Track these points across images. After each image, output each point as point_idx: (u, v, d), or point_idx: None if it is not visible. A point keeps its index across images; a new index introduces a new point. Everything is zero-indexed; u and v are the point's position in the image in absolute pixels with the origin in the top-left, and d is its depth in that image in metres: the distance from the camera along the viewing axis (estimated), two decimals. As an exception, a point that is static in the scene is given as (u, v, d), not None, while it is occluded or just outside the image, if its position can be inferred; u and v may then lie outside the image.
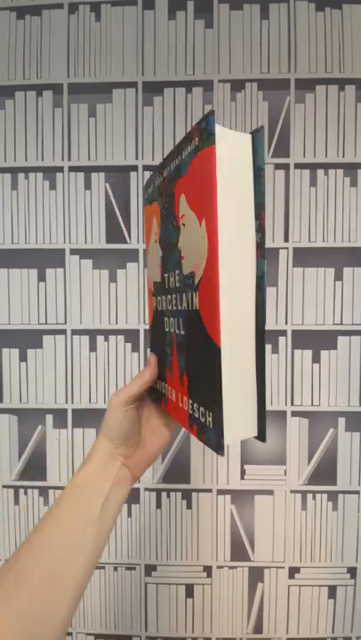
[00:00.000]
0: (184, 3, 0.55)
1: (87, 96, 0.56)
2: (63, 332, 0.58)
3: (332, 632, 0.58)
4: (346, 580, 0.58)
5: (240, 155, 0.22)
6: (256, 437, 0.24)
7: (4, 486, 0.59)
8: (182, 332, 0.27)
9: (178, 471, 0.57)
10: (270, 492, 0.57)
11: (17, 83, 0.57)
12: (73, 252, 0.57)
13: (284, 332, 0.56)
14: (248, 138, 0.23)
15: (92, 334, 0.58)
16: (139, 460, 0.32)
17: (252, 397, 0.24)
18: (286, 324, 0.56)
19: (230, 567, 0.58)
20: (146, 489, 0.58)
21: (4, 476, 0.59)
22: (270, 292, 0.56)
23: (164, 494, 0.58)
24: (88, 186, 0.57)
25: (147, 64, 0.56)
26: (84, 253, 0.57)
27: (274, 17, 0.55)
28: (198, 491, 0.58)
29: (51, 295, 0.58)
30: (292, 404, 0.56)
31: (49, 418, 0.58)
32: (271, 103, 0.55)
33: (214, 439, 0.23)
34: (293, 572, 0.58)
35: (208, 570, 0.58)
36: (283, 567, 0.58)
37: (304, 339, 0.56)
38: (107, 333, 0.58)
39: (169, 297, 0.30)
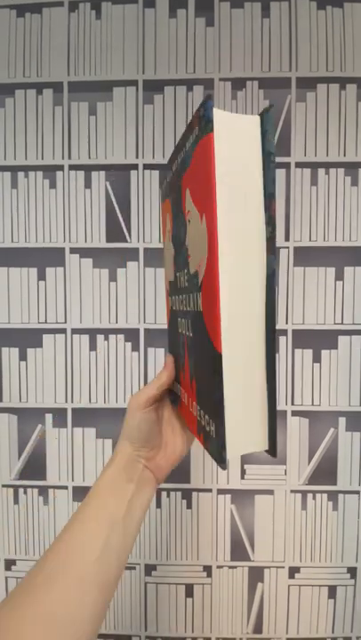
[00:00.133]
0: (185, 1, 0.55)
1: (87, 94, 0.56)
2: (63, 331, 0.58)
3: (332, 632, 0.58)
4: (346, 580, 0.58)
5: (246, 140, 0.20)
6: (267, 452, 0.22)
7: (3, 485, 0.59)
8: (191, 335, 0.26)
9: (178, 471, 0.57)
10: (270, 492, 0.57)
11: (17, 81, 0.56)
12: (73, 250, 0.57)
13: (284, 332, 0.56)
14: (256, 120, 0.20)
15: (92, 333, 0.58)
16: (161, 463, 0.31)
17: (262, 408, 0.22)
18: (287, 323, 0.56)
19: (230, 567, 0.58)
20: (146, 488, 0.58)
21: (3, 476, 0.58)
22: (271, 291, 0.56)
23: (163, 494, 0.58)
24: (88, 184, 0.57)
25: (147, 62, 0.56)
26: (84, 252, 0.57)
27: (275, 15, 0.55)
28: (198, 490, 0.58)
29: (50, 294, 0.58)
30: (292, 404, 0.56)
31: (48, 417, 0.58)
32: (272, 102, 0.55)
33: (216, 451, 0.21)
34: (293, 571, 0.58)
35: (208, 569, 0.58)
36: (283, 567, 0.58)
37: (305, 338, 0.56)
38: (107, 332, 0.57)
39: (180, 297, 0.29)
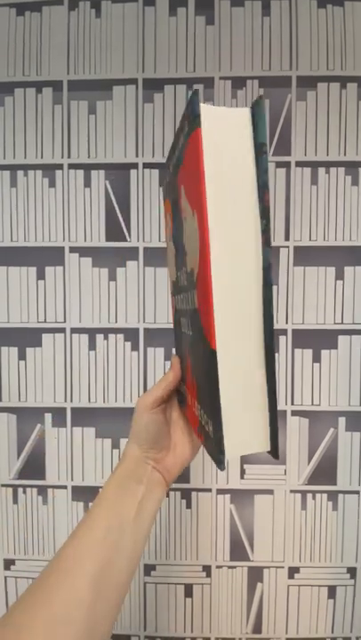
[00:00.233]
0: (185, -1, 0.55)
1: (87, 93, 0.56)
2: (62, 330, 0.57)
3: (332, 632, 0.58)
4: (346, 581, 0.57)
5: (236, 132, 0.20)
6: (269, 453, 0.22)
7: (2, 485, 0.58)
8: (190, 333, 0.26)
9: (177, 470, 0.57)
10: (270, 492, 0.57)
11: (16, 79, 0.56)
12: (72, 249, 0.57)
13: (284, 332, 0.56)
14: (246, 112, 0.20)
15: (92, 333, 0.57)
16: (170, 464, 0.31)
17: (262, 407, 0.22)
18: (287, 323, 0.56)
19: (229, 567, 0.58)
20: (145, 488, 0.58)
21: (2, 475, 0.58)
22: (271, 290, 0.56)
23: (163, 494, 0.58)
24: (88, 183, 0.57)
25: (147, 61, 0.55)
26: (83, 251, 0.57)
27: (275, 14, 0.54)
28: (198, 490, 0.58)
29: (50, 293, 0.57)
30: (292, 404, 0.56)
31: (48, 417, 0.58)
32: (272, 101, 0.55)
33: (214, 451, 0.21)
34: (293, 571, 0.58)
35: (207, 569, 0.58)
36: (282, 567, 0.58)
37: (304, 338, 0.56)
38: (106, 332, 0.57)
39: (181, 296, 0.29)
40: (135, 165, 0.56)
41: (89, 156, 0.56)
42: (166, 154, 0.55)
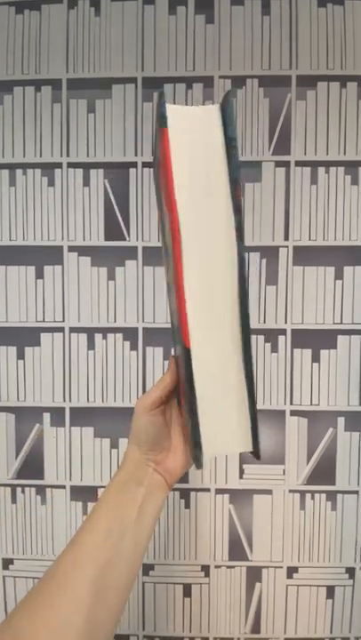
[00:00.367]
0: (185, -2, 0.55)
1: (86, 91, 0.56)
2: (61, 329, 0.57)
3: (331, 632, 0.58)
4: (344, 581, 0.57)
5: (206, 130, 0.20)
6: (251, 453, 0.22)
7: (1, 485, 0.58)
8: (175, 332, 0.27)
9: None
10: (269, 492, 0.57)
11: (15, 78, 0.56)
12: (71, 249, 0.57)
13: (283, 331, 0.56)
14: (215, 109, 0.21)
15: (91, 332, 0.57)
16: (171, 466, 0.31)
17: (241, 406, 0.21)
18: (286, 322, 0.56)
19: (228, 567, 0.58)
20: (144, 488, 0.58)
21: (0, 475, 0.58)
22: (270, 290, 0.56)
23: (162, 493, 0.58)
24: (87, 182, 0.56)
25: (147, 60, 0.55)
26: (82, 250, 0.57)
27: (275, 13, 0.54)
28: (196, 490, 0.58)
29: (48, 292, 0.57)
30: (291, 404, 0.56)
31: (46, 416, 0.58)
32: (272, 100, 0.54)
33: (192, 450, 0.21)
34: (292, 571, 0.58)
35: (206, 569, 0.58)
36: (281, 567, 0.58)
37: (304, 338, 0.56)
38: (105, 331, 0.57)
39: (170, 297, 0.29)
40: (134, 164, 0.56)
41: (88, 155, 0.56)
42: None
